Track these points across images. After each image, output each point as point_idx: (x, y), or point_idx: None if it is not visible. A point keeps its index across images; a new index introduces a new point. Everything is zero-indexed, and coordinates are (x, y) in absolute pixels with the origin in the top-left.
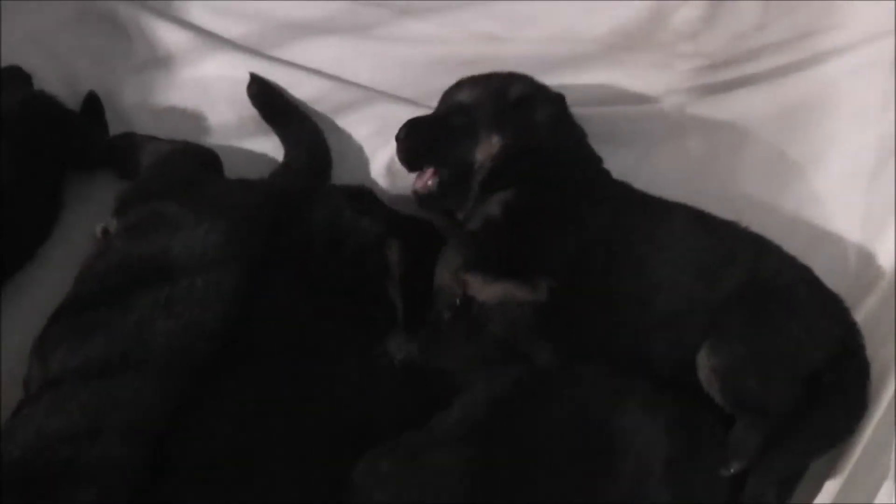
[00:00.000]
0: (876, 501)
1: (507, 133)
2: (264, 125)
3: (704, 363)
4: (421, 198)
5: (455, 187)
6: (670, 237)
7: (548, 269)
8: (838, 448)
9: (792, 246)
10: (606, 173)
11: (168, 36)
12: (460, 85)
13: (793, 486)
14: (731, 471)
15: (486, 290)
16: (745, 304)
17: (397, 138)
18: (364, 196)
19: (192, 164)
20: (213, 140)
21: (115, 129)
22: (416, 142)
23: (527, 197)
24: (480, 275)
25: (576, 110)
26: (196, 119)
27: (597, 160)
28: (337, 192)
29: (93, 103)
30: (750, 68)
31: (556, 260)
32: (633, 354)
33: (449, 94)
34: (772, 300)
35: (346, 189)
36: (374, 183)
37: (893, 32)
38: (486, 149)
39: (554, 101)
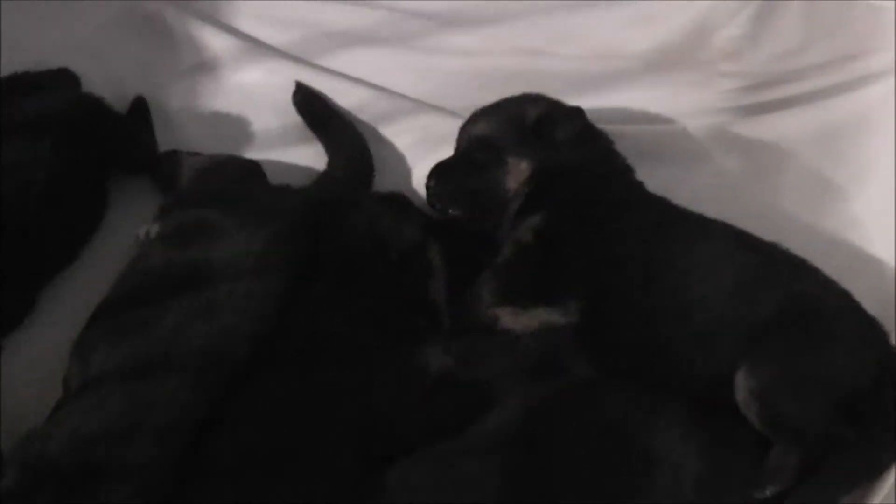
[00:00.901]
0: None
1: (533, 157)
2: (308, 133)
3: (742, 385)
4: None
5: (490, 219)
6: (709, 253)
7: (580, 290)
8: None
9: (831, 268)
10: (639, 185)
11: (214, 41)
12: (475, 118)
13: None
14: (767, 494)
15: (518, 321)
16: (784, 326)
17: (427, 186)
18: (400, 203)
19: (234, 172)
20: (257, 146)
21: (159, 133)
22: (446, 185)
23: (558, 219)
24: (510, 307)
25: (615, 127)
26: (240, 125)
27: (627, 170)
28: (374, 199)
29: (139, 107)
30: (791, 89)
31: (590, 279)
32: (669, 370)
33: (466, 130)
34: (812, 324)
35: (382, 196)
36: (415, 192)
37: None
38: (516, 176)
39: (573, 116)
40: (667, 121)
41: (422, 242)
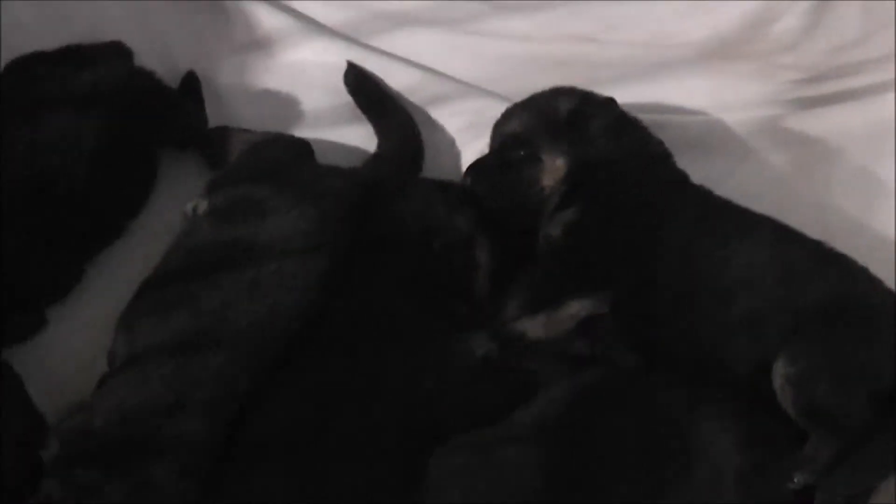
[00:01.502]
0: None
1: (568, 153)
2: (358, 113)
3: (780, 371)
4: None
5: (528, 217)
6: (754, 243)
7: (613, 281)
8: None
9: (876, 266)
10: (681, 173)
11: (267, 19)
12: (507, 116)
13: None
14: (798, 483)
15: (550, 329)
16: (827, 318)
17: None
18: (458, 193)
19: (284, 151)
20: (307, 126)
21: (210, 110)
22: (481, 184)
23: (592, 211)
24: (541, 316)
25: (663, 117)
26: (291, 104)
27: (666, 157)
28: (432, 186)
29: (190, 82)
30: (847, 83)
31: (626, 269)
32: (712, 356)
33: (499, 128)
34: (854, 319)
35: (441, 184)
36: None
37: None
38: (553, 174)
39: (605, 107)
40: (719, 111)
41: (470, 235)
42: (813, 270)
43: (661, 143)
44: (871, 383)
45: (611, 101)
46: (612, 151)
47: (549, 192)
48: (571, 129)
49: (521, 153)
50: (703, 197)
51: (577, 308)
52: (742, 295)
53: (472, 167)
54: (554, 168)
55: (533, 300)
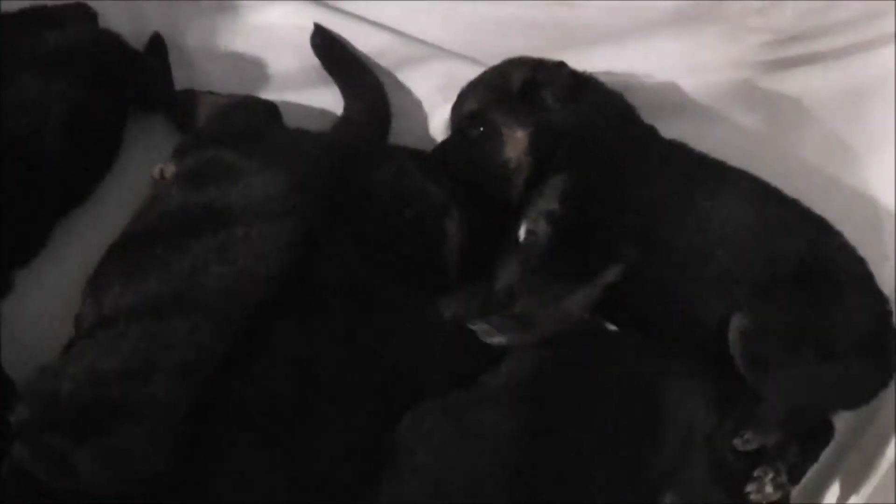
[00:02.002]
0: None
1: (527, 123)
2: (326, 76)
3: (735, 324)
4: None
5: (498, 192)
6: (734, 196)
7: (619, 249)
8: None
9: (845, 228)
10: (646, 126)
11: None
12: (463, 96)
13: (815, 450)
14: (744, 441)
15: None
16: (795, 276)
17: None
18: (432, 163)
19: (252, 114)
20: (275, 88)
21: (177, 72)
22: (448, 165)
23: (584, 179)
24: (536, 294)
25: (638, 80)
26: (259, 65)
27: (629, 110)
28: (406, 153)
29: (156, 45)
30: (817, 46)
31: (626, 235)
32: (688, 314)
33: (456, 109)
34: (822, 283)
35: (415, 152)
36: (433, 140)
37: None
38: (515, 146)
39: (556, 70)
40: (691, 73)
41: (442, 205)
42: (789, 227)
43: (621, 96)
44: (823, 349)
45: (561, 65)
46: (571, 115)
47: (515, 164)
48: (526, 98)
49: (481, 129)
50: (678, 150)
51: (583, 298)
52: (719, 251)
53: (435, 150)
54: (515, 140)
55: (533, 272)
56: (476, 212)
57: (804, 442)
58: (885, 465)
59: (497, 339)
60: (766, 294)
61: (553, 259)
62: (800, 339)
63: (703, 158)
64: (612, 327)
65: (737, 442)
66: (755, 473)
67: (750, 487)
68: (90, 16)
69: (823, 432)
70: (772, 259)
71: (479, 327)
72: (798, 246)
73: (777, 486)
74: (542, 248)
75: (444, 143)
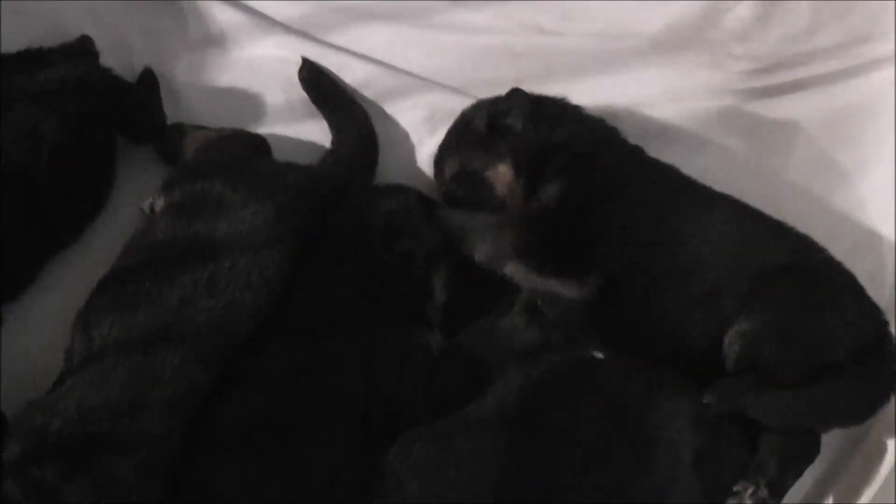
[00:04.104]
0: None
1: (504, 156)
2: (313, 109)
3: (734, 328)
4: None
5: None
6: (716, 218)
7: (600, 263)
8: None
9: (834, 252)
10: (636, 148)
11: (221, 15)
12: (438, 163)
13: (798, 466)
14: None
15: (528, 281)
16: (785, 284)
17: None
18: (436, 210)
19: (240, 147)
20: (263, 121)
21: (165, 106)
22: (452, 227)
23: (576, 189)
24: (524, 265)
25: (623, 109)
26: (246, 99)
27: (616, 131)
28: (413, 193)
29: (147, 79)
30: (800, 72)
31: (608, 251)
32: (673, 334)
33: (439, 178)
34: (812, 288)
35: (423, 196)
36: (420, 171)
37: None
38: (502, 180)
39: (513, 99)
40: (675, 101)
41: (433, 254)
42: (770, 242)
43: (581, 108)
44: (818, 349)
45: (515, 90)
46: (544, 133)
47: (509, 194)
48: (495, 134)
49: (469, 183)
50: (667, 170)
51: (556, 287)
52: (701, 270)
53: (438, 218)
54: (499, 175)
55: (522, 246)
56: (464, 270)
57: (787, 457)
58: (884, 471)
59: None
60: (760, 296)
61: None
62: (797, 339)
63: (690, 182)
64: (600, 355)
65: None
66: (735, 488)
67: (730, 501)
68: (90, 51)
69: (808, 448)
70: (751, 270)
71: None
72: (779, 256)
73: (757, 501)
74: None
75: (443, 212)
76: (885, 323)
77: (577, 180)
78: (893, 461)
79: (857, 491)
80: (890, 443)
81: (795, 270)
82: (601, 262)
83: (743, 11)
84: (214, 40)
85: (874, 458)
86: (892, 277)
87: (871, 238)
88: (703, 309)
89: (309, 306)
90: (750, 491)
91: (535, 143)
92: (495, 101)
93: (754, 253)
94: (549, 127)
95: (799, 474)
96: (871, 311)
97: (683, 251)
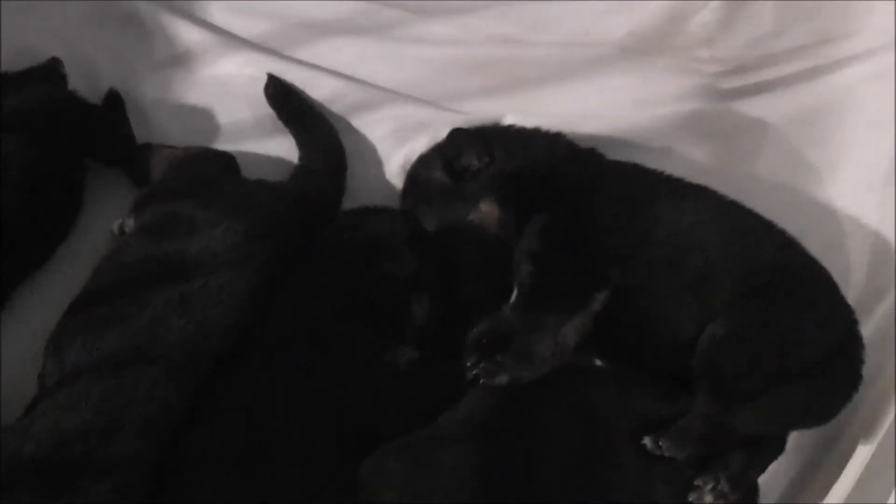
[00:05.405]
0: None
1: (479, 193)
2: (281, 125)
3: (709, 330)
4: None
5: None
6: (698, 207)
7: (602, 273)
8: (858, 429)
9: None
10: (592, 150)
11: (187, 34)
12: (416, 224)
13: (762, 461)
14: (662, 450)
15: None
16: (767, 286)
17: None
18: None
19: (209, 165)
20: (231, 139)
21: (134, 127)
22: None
23: (551, 214)
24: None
25: (591, 116)
26: (214, 117)
27: (572, 143)
28: (408, 217)
29: (113, 100)
30: (766, 74)
31: (606, 258)
32: (670, 323)
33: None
34: (789, 291)
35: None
36: (389, 184)
37: None
38: (490, 218)
39: (455, 139)
40: (642, 107)
41: (412, 279)
42: (756, 233)
43: (521, 127)
44: (789, 357)
45: (456, 132)
46: (503, 160)
47: (504, 228)
48: (460, 178)
49: (453, 236)
50: (631, 168)
51: (576, 329)
52: (690, 258)
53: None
54: (485, 215)
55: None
56: (449, 294)
57: (751, 452)
58: (855, 470)
59: (500, 379)
60: (741, 303)
61: (542, 294)
62: (768, 348)
63: (658, 174)
64: (598, 361)
65: (647, 442)
66: (695, 482)
67: (691, 497)
68: (59, 74)
69: (773, 443)
70: (746, 265)
71: (480, 368)
72: (769, 252)
73: (717, 496)
74: (528, 288)
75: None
76: (855, 322)
77: (559, 204)
78: (866, 461)
79: (829, 489)
80: (862, 447)
81: (777, 270)
82: (606, 275)
83: (707, 16)
84: (181, 59)
85: (846, 457)
86: (862, 277)
87: (840, 238)
88: (695, 299)
89: (285, 325)
90: (710, 485)
91: (502, 172)
92: (439, 149)
93: (739, 245)
94: (505, 152)
95: (763, 469)
96: (844, 313)
97: (670, 242)
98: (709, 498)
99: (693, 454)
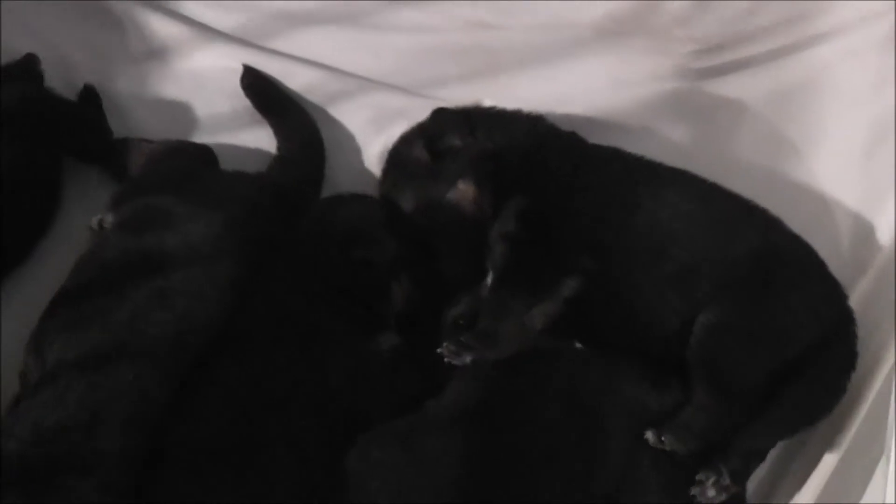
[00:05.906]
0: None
1: (458, 172)
2: (258, 116)
3: (700, 320)
4: None
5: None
6: (679, 193)
7: (574, 261)
8: (828, 429)
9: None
10: (572, 134)
11: (162, 28)
12: (391, 203)
13: (760, 452)
14: (661, 441)
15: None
16: (755, 273)
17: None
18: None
19: (187, 158)
20: (208, 131)
21: (109, 121)
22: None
23: (530, 197)
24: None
25: (569, 99)
26: (191, 110)
27: (554, 127)
28: (386, 201)
29: (89, 96)
30: (743, 52)
31: (579, 245)
32: (651, 314)
33: (399, 220)
34: (778, 274)
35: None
36: (368, 172)
37: (892, 13)
38: (466, 198)
39: (439, 117)
40: (620, 88)
41: (393, 264)
42: (739, 219)
43: (503, 108)
44: (782, 342)
45: (440, 111)
46: (484, 141)
47: (479, 208)
48: (441, 157)
49: (430, 213)
50: (611, 153)
51: (544, 313)
52: (673, 248)
53: (405, 276)
54: (462, 194)
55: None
56: (425, 283)
57: (750, 444)
58: (829, 463)
59: (462, 359)
60: (730, 291)
61: (513, 276)
62: (762, 333)
63: (639, 159)
64: (578, 345)
65: (650, 436)
66: (697, 477)
67: (694, 491)
68: (35, 71)
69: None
70: (728, 252)
71: (444, 348)
72: (752, 237)
73: (720, 489)
74: (499, 269)
75: (412, 266)
76: (845, 298)
77: (538, 188)
78: (833, 464)
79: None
80: (828, 455)
81: (765, 257)
82: (578, 262)
83: None
84: (156, 53)
85: (813, 460)
86: (844, 253)
87: (821, 214)
88: (677, 290)
89: (261, 314)
90: (712, 479)
91: (482, 152)
92: (422, 128)
93: (722, 232)
94: (487, 133)
95: (762, 459)
96: (833, 290)
97: (651, 231)
98: (711, 492)
99: (696, 449)
